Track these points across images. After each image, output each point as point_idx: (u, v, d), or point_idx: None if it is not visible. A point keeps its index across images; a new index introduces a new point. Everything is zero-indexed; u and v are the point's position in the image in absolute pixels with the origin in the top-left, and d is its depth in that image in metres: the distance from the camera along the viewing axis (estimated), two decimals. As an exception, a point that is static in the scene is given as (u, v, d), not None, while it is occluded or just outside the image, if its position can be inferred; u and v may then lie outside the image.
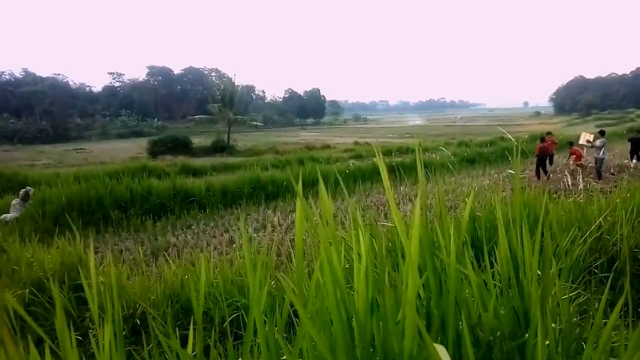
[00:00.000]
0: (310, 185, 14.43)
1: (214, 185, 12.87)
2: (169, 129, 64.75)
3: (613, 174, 13.86)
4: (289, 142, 43.46)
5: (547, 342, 1.20)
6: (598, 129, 16.55)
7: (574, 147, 15.33)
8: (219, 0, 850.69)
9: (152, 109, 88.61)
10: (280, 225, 9.79)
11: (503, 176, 14.57)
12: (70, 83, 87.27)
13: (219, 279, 3.61)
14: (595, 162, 13.68)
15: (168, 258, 5.42)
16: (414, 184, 14.51)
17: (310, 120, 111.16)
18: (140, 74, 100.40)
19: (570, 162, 15.19)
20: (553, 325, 1.37)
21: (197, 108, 77.64)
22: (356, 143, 37.35)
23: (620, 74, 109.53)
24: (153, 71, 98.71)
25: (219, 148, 36.68)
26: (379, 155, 1.49)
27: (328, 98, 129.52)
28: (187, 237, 9.14)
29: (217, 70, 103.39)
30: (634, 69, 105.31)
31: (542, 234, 3.68)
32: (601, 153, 13.43)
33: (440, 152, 21.94)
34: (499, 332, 1.25)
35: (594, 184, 11.86)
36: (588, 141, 15.07)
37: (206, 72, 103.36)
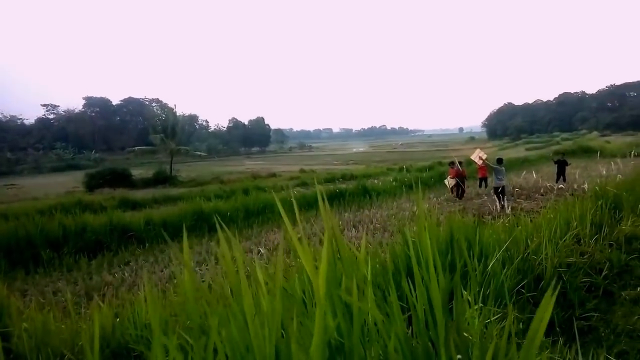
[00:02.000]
0: (255, 214, 14.34)
1: (154, 218, 12.44)
2: (108, 161, 62.46)
3: (543, 195, 14.68)
4: (234, 171, 43.02)
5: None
6: (528, 152, 17.44)
7: (450, 168, 16.19)
8: (159, 28, 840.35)
9: (89, 141, 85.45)
10: (224, 257, 9.56)
11: (441, 199, 15.14)
12: (0, 116, 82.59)
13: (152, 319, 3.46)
14: (495, 189, 13.15)
15: (101, 298, 5.16)
16: (358, 209, 14.76)
17: (255, 149, 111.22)
18: (77, 105, 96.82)
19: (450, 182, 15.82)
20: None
21: (138, 139, 75.39)
22: (302, 170, 37.58)
23: (545, 100, 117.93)
24: (90, 102, 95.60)
25: (161, 179, 35.65)
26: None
27: (273, 126, 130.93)
28: (124, 274, 8.73)
29: (158, 101, 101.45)
30: (557, 96, 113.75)
31: (473, 257, 3.84)
32: (499, 180, 13.01)
33: (382, 177, 22.56)
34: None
35: (525, 204, 12.54)
36: (480, 158, 14.77)
37: (147, 103, 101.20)
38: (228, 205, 14.69)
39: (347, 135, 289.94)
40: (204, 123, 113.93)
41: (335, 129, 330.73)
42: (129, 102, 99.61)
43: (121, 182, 32.84)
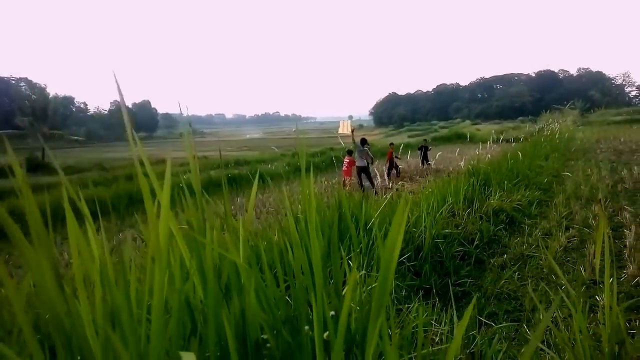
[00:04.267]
0: (140, 201, 13.44)
1: (19, 209, 11.07)
2: (-35, 147, 54.58)
3: (424, 177, 15.62)
4: (118, 157, 40.12)
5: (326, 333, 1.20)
6: (410, 139, 18.46)
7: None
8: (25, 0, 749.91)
9: (-60, 125, 73.99)
10: (102, 248, 8.79)
11: (333, 182, 15.49)
12: None
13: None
14: (357, 169, 12.97)
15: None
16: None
17: (142, 134, 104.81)
18: None
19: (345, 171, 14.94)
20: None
21: (3, 122, 66.91)
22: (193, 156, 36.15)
23: (424, 91, 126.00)
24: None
25: (31, 167, 32.03)
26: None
27: (160, 110, 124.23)
28: (-20, 272, 7.64)
29: (26, 80, 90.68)
30: (435, 87, 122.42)
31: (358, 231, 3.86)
32: (361, 160, 12.77)
33: (276, 163, 22.59)
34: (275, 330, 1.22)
35: (407, 186, 13.26)
36: (351, 129, 14.16)
37: (13, 82, 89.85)
38: (109, 192, 13.63)
39: (240, 121, 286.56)
40: (82, 105, 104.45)
41: (229, 115, 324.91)
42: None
43: (-19, 170, 29.01)
